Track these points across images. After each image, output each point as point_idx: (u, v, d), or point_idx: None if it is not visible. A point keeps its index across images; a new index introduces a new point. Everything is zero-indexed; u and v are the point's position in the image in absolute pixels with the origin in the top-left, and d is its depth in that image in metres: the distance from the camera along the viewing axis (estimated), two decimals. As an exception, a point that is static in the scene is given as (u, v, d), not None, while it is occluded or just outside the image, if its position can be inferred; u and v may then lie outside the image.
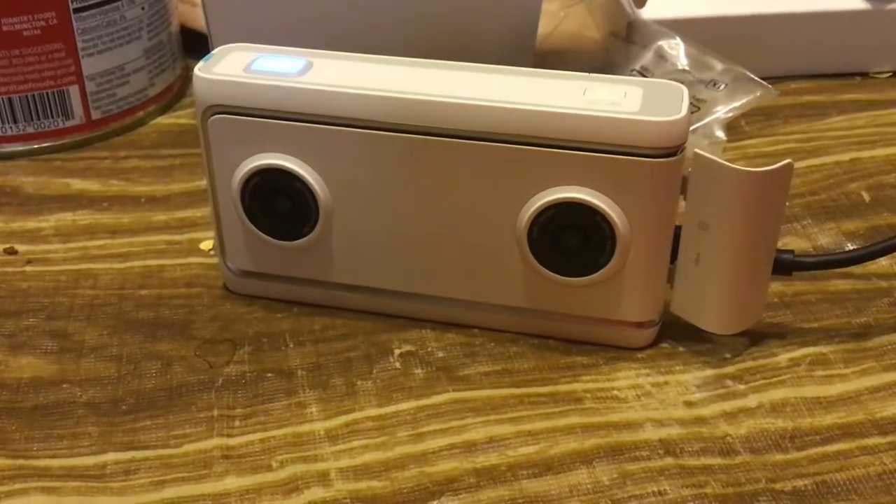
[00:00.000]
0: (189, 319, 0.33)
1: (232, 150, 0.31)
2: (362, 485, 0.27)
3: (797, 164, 0.40)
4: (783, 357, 0.31)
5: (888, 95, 0.46)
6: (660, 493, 0.26)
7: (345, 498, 0.26)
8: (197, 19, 0.47)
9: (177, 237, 0.37)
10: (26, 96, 0.41)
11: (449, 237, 0.30)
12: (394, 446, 0.28)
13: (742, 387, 0.30)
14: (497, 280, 0.31)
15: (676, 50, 0.43)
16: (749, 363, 0.30)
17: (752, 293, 0.30)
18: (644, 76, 0.42)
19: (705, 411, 0.29)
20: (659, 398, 0.29)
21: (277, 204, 0.31)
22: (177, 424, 0.29)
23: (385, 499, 0.26)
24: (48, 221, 0.38)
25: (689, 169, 0.29)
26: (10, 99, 0.41)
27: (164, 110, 0.46)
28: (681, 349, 0.31)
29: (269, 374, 0.30)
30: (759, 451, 0.28)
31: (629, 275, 0.29)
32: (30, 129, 0.42)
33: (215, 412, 0.29)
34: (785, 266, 0.30)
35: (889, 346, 0.31)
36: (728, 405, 0.29)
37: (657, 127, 0.27)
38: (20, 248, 0.36)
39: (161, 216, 0.38)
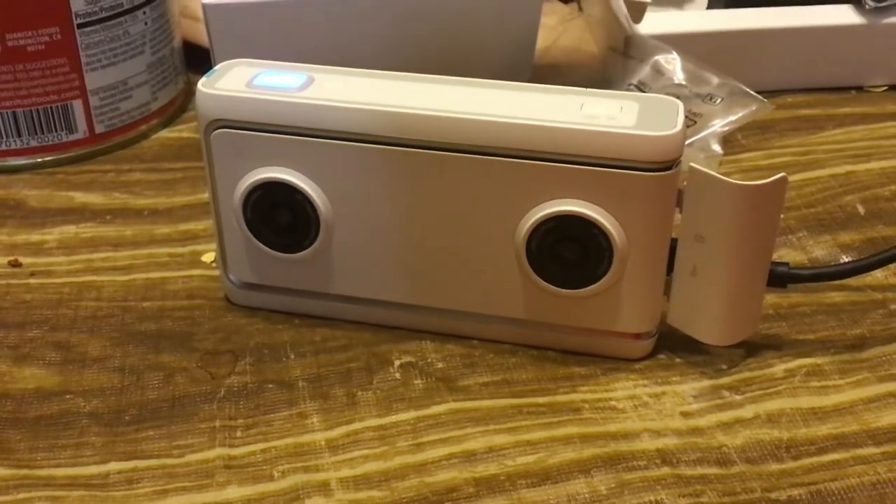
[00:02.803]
0: (191, 331, 0.33)
1: (234, 164, 0.31)
2: (362, 494, 0.27)
3: (793, 177, 0.41)
4: (779, 368, 0.31)
5: (883, 109, 0.46)
6: (656, 502, 0.27)
7: (345, 507, 0.27)
8: (199, 34, 0.48)
9: (179, 249, 0.37)
10: (30, 110, 0.41)
11: (448, 249, 0.31)
12: (394, 456, 0.28)
13: (738, 397, 0.30)
14: (496, 292, 0.31)
15: (673, 64, 0.43)
16: (745, 374, 0.31)
17: (748, 305, 0.30)
18: (641, 90, 0.43)
19: (702, 421, 0.29)
20: (656, 408, 0.30)
21: (279, 217, 0.31)
22: (179, 434, 0.29)
23: (385, 508, 0.27)
24: (52, 234, 0.38)
25: (685, 182, 0.29)
26: (14, 113, 0.41)
27: (166, 124, 0.46)
28: (677, 360, 0.31)
29: (271, 385, 0.31)
30: (755, 460, 0.28)
31: (626, 287, 0.30)
32: (34, 143, 0.42)
33: (217, 423, 0.29)
34: (780, 278, 0.31)
35: (883, 358, 0.31)
36: (724, 415, 0.29)
37: (653, 141, 0.28)
38: (24, 260, 0.36)
39: (163, 229, 0.38)
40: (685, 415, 0.29)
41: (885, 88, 0.48)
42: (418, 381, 0.31)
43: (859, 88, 0.48)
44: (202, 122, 0.31)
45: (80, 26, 0.41)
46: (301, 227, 0.31)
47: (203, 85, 0.31)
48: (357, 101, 0.29)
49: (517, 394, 0.30)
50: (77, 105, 0.42)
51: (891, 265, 0.32)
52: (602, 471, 0.28)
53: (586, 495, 0.27)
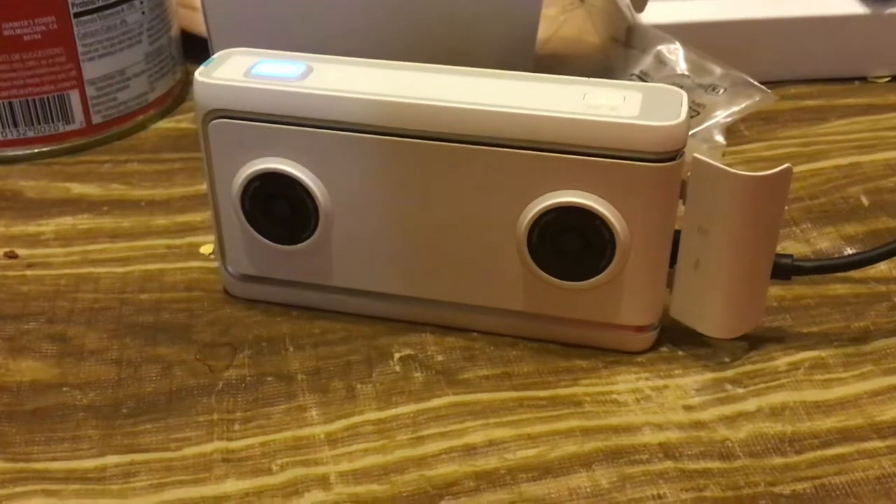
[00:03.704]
0: (189, 323, 0.33)
1: (232, 155, 0.31)
2: (362, 488, 0.27)
3: (796, 169, 0.40)
4: (782, 361, 0.31)
5: (887, 100, 0.46)
6: (659, 496, 0.26)
7: (345, 501, 0.26)
8: (197, 24, 0.48)
9: (177, 241, 0.37)
10: (27, 100, 0.41)
11: (449, 241, 0.30)
12: (393, 450, 0.28)
13: (741, 391, 0.30)
14: (497, 284, 0.31)
15: (676, 54, 0.43)
16: (748, 367, 0.31)
17: (752, 297, 0.30)
18: (644, 80, 0.42)
19: (704, 415, 0.29)
20: (658, 402, 0.29)
21: (277, 208, 0.31)
22: (177, 428, 0.29)
23: (385, 502, 0.26)
24: (48, 225, 0.38)
25: (689, 173, 0.29)
26: (10, 103, 0.41)
27: (164, 114, 0.46)
28: (680, 353, 0.31)
29: (269, 378, 0.30)
30: (759, 454, 0.28)
31: (628, 279, 0.30)
32: (30, 134, 0.42)
33: (215, 416, 0.29)
34: (784, 270, 0.31)
35: (888, 350, 0.31)
36: (727, 409, 0.29)
37: (656, 131, 0.28)
38: (21, 252, 0.36)
39: (161, 220, 0.38)
40: (688, 408, 0.29)
41: (888, 79, 0.48)
42: (418, 374, 0.30)
43: (863, 79, 0.48)
44: (200, 112, 0.30)
45: (76, 15, 0.41)
46: (300, 219, 0.31)
47: (200, 74, 0.30)
48: (356, 90, 0.29)
49: (518, 387, 0.30)
50: (74, 95, 0.42)
51: (895, 257, 0.32)
52: (604, 464, 0.27)
53: (588, 489, 0.27)
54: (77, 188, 0.40)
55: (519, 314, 0.31)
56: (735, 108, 0.41)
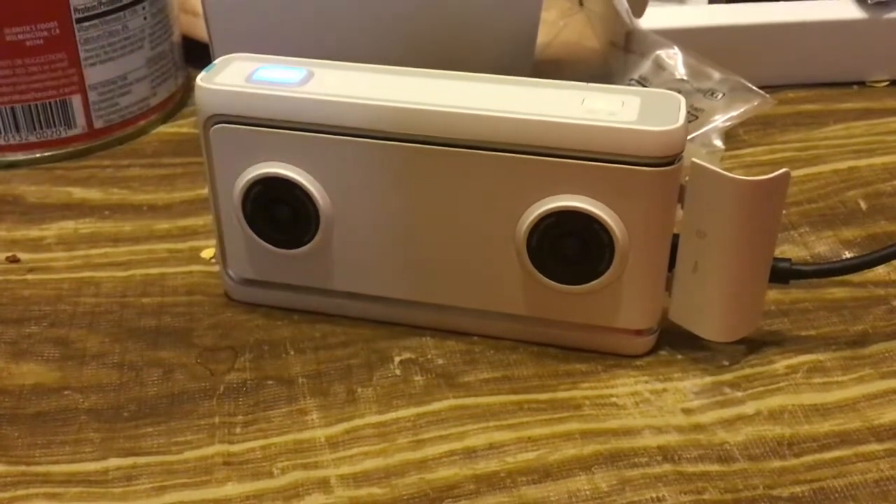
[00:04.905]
0: (190, 327, 0.33)
1: (233, 159, 0.31)
2: (363, 491, 0.27)
3: (795, 173, 0.41)
4: (780, 364, 0.31)
5: (885, 104, 0.46)
6: (658, 499, 0.27)
7: (345, 504, 0.27)
8: (199, 29, 0.48)
9: (178, 245, 0.37)
10: (29, 105, 0.41)
11: (448, 245, 0.31)
12: (394, 453, 0.28)
13: (740, 394, 0.30)
14: (496, 288, 0.31)
15: (674, 59, 0.43)
16: (747, 370, 0.31)
17: (750, 301, 0.30)
18: (643, 85, 0.43)
19: (703, 418, 0.29)
20: (657, 405, 0.29)
21: (278, 212, 0.31)
22: (178, 431, 0.29)
23: (385, 505, 0.27)
24: (50, 230, 0.38)
25: (687, 178, 0.29)
26: (12, 108, 0.41)
27: (165, 119, 0.46)
28: (679, 357, 0.31)
29: (270, 382, 0.31)
30: (757, 457, 0.28)
31: (627, 283, 0.30)
32: (32, 138, 0.42)
33: (216, 419, 0.29)
34: (782, 274, 0.31)
35: (886, 354, 0.31)
36: (726, 412, 0.29)
37: (654, 136, 0.28)
38: (22, 256, 0.36)
39: (163, 224, 0.38)
40: (686, 411, 0.29)
41: (887, 83, 0.48)
42: (418, 378, 0.31)
43: (861, 83, 0.48)
44: (201, 118, 0.31)
45: (78, 21, 0.41)
46: (301, 223, 0.31)
47: (202, 80, 0.30)
48: (357, 96, 0.29)
49: (518, 390, 0.30)
50: (76, 100, 0.42)
51: (893, 261, 0.32)
52: (603, 467, 0.27)
53: (587, 492, 0.27)
54: (79, 193, 0.40)
55: (518, 318, 0.31)
56: (734, 113, 0.41)
